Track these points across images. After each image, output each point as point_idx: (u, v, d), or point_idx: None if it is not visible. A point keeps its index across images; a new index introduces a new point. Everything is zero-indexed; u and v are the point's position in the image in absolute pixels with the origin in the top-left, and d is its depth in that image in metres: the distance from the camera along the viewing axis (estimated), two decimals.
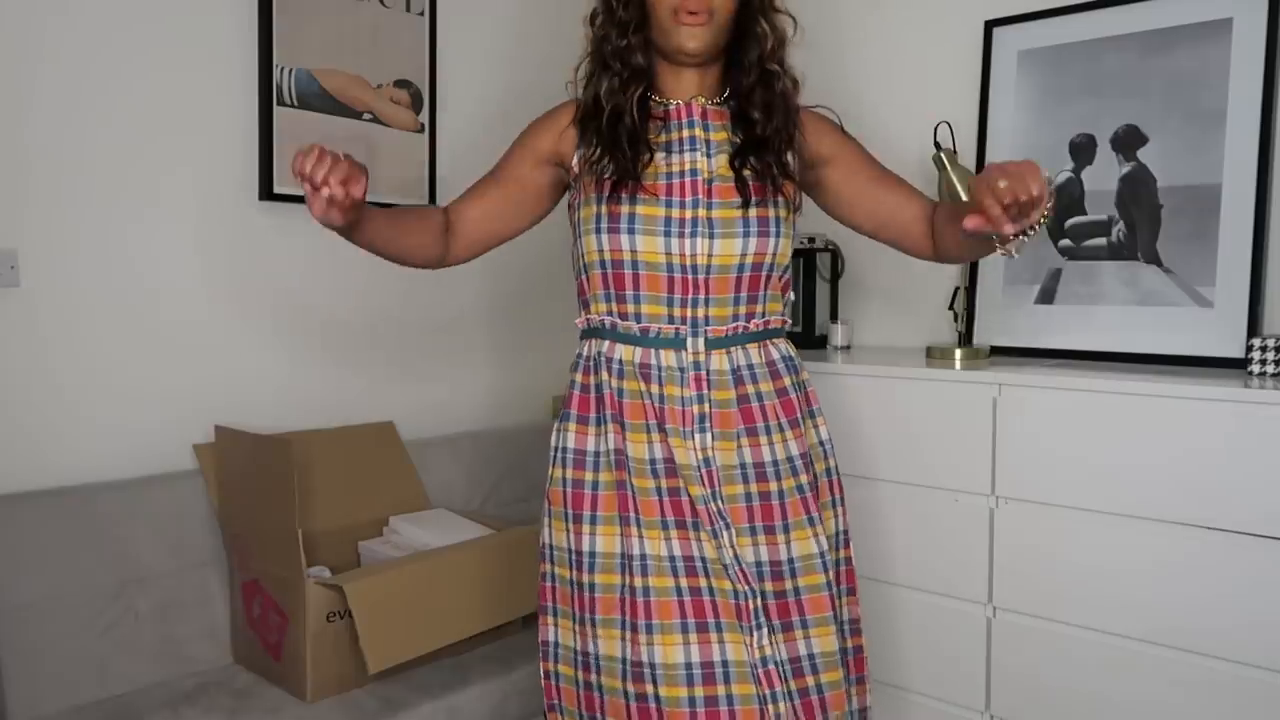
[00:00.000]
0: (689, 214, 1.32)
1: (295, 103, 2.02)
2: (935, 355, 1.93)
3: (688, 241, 1.31)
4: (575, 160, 1.39)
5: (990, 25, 2.05)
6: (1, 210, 1.68)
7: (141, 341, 1.86)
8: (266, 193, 2.00)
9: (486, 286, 2.48)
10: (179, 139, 1.89)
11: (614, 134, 1.34)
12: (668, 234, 1.31)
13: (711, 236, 1.32)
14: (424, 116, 2.27)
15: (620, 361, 1.35)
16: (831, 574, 1.36)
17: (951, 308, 2.05)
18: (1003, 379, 1.66)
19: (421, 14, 2.25)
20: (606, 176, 1.33)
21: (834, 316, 2.24)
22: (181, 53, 1.88)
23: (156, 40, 1.84)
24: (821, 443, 1.44)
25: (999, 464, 1.66)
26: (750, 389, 1.35)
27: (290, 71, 2.01)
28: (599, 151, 1.34)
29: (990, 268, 2.02)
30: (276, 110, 1.99)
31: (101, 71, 1.78)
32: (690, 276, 1.32)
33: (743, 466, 1.33)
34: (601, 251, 1.34)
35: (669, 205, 1.32)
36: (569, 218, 1.44)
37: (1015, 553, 1.65)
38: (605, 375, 1.35)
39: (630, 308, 1.34)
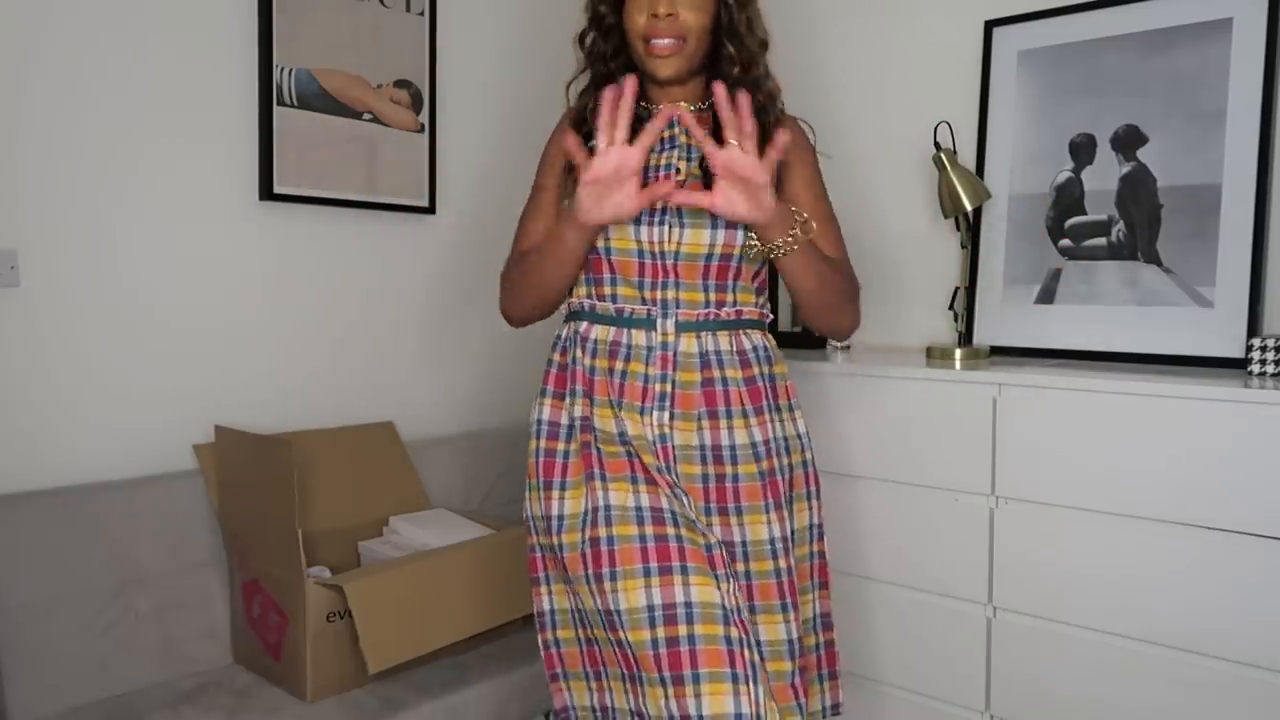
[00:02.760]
0: (659, 204, 1.38)
1: (295, 103, 2.02)
2: (935, 355, 1.93)
3: (657, 229, 1.38)
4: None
5: (990, 25, 2.05)
6: (1, 210, 1.68)
7: (141, 341, 1.86)
8: (266, 193, 2.00)
9: (488, 286, 2.47)
10: (178, 138, 1.89)
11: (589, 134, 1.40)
12: (638, 223, 1.38)
13: (681, 226, 1.38)
14: (424, 116, 2.27)
15: (595, 340, 1.42)
16: (784, 562, 1.38)
17: (951, 308, 2.05)
18: (1003, 379, 1.66)
19: (421, 14, 2.25)
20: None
21: None
22: (181, 52, 1.88)
23: (155, 40, 1.84)
24: (799, 435, 1.48)
25: (999, 464, 1.66)
26: (716, 373, 1.40)
27: (290, 71, 2.01)
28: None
29: (990, 267, 2.02)
30: (276, 110, 1.99)
31: (99, 70, 1.78)
32: (660, 262, 1.39)
33: (701, 448, 1.38)
34: None
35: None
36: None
37: (1015, 553, 1.65)
38: (578, 353, 1.42)
39: (607, 290, 1.42)
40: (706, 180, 1.37)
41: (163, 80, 1.86)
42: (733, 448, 1.38)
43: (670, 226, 1.38)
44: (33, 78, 1.70)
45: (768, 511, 1.38)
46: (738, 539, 1.38)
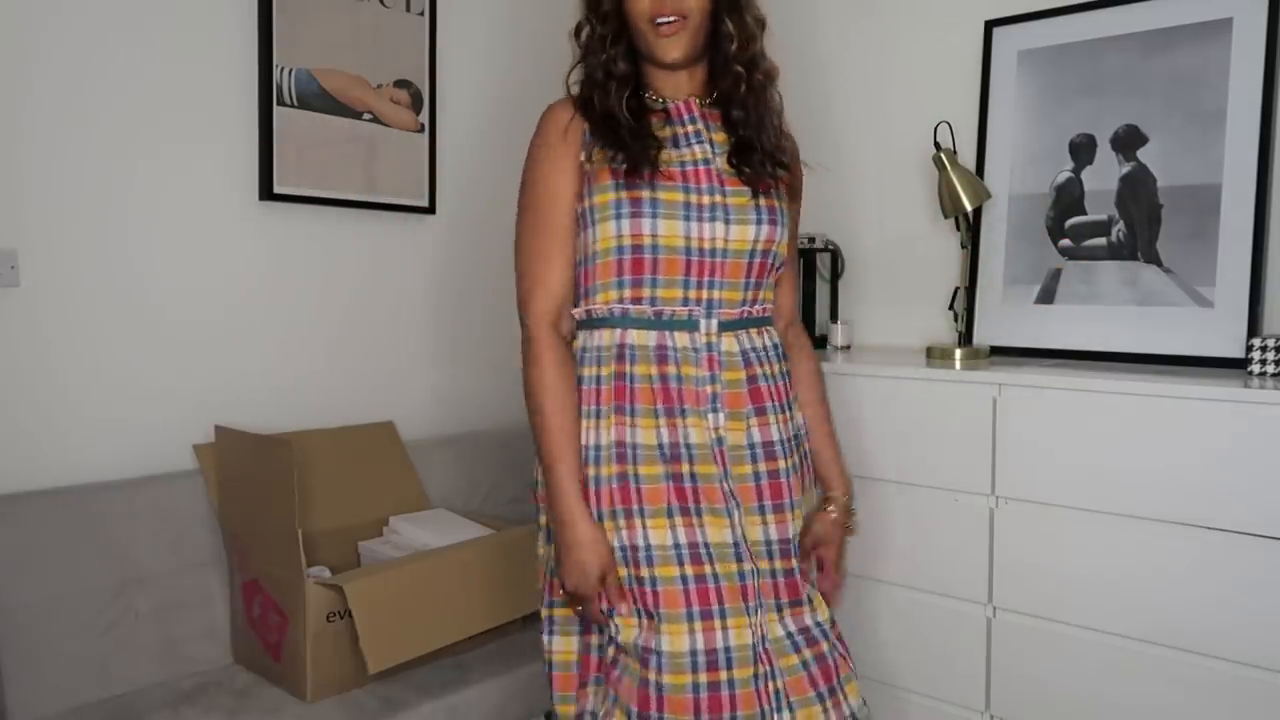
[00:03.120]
0: (707, 200, 1.35)
1: (295, 103, 2.02)
2: (935, 355, 1.93)
3: (706, 226, 1.34)
4: (582, 152, 1.39)
5: (990, 25, 2.05)
6: (1, 210, 1.68)
7: (141, 341, 1.86)
8: (266, 193, 2.00)
9: (488, 286, 2.48)
10: (179, 139, 1.89)
11: (615, 133, 1.36)
12: (687, 218, 1.33)
13: (728, 222, 1.35)
14: (424, 116, 2.27)
15: (633, 347, 1.35)
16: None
17: (951, 308, 2.05)
18: (1003, 379, 1.66)
19: (421, 14, 2.25)
20: (619, 165, 1.34)
21: (834, 316, 2.24)
22: (181, 52, 1.88)
23: (155, 40, 1.85)
24: (800, 426, 1.50)
25: (999, 464, 1.66)
26: (759, 370, 1.40)
27: (290, 71, 2.01)
28: (606, 145, 1.36)
29: (990, 267, 2.02)
30: (276, 110, 1.99)
31: (100, 70, 1.78)
32: (707, 260, 1.35)
33: (751, 446, 1.38)
34: (620, 236, 1.33)
35: (687, 191, 1.34)
36: None
37: (1015, 553, 1.65)
38: (616, 365, 1.35)
39: (646, 292, 1.35)
40: (739, 172, 1.38)
41: (163, 80, 1.86)
42: (782, 442, 1.40)
43: (719, 222, 1.35)
44: (34, 78, 1.70)
45: (803, 505, 1.44)
46: (790, 534, 1.40)
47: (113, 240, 1.81)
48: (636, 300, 1.35)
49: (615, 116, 1.37)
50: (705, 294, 1.36)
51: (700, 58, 1.41)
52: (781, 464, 1.40)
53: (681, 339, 1.35)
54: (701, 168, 1.37)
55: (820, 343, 2.22)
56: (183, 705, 1.60)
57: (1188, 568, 1.48)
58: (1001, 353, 1.98)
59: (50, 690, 1.58)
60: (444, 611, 1.73)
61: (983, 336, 2.01)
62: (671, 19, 1.33)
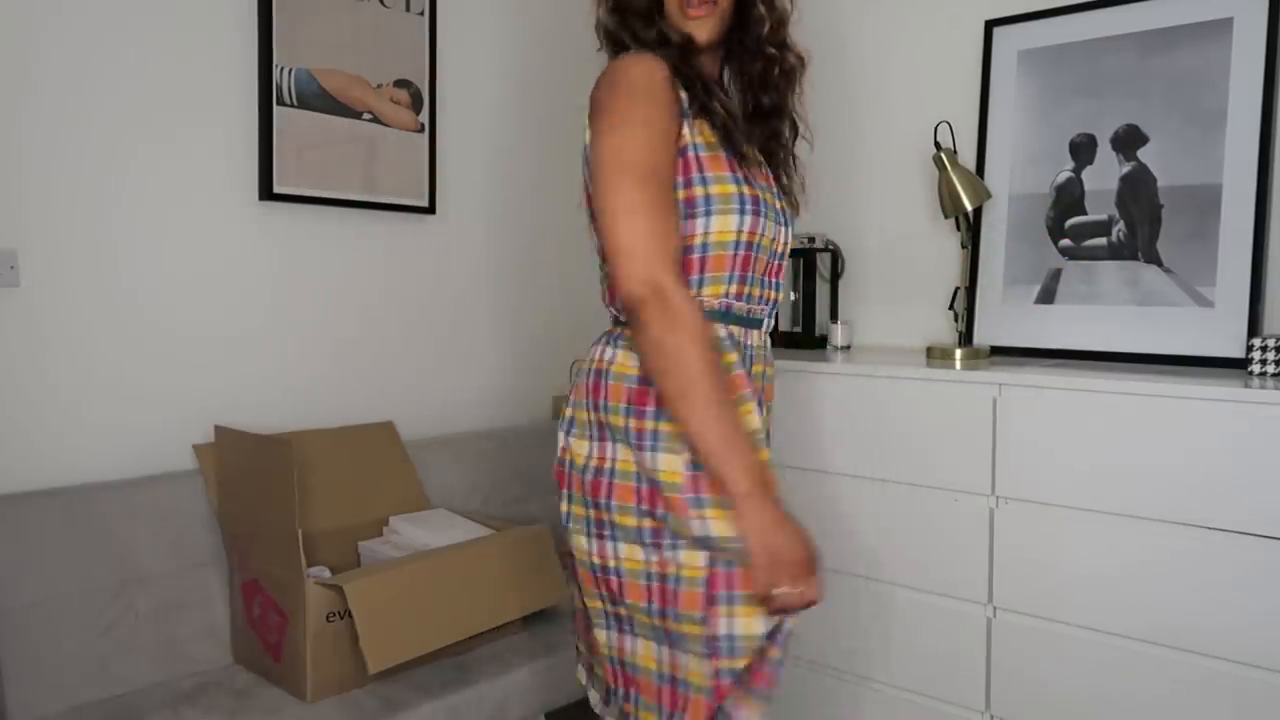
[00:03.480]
0: (777, 203, 1.37)
1: (295, 102, 2.02)
2: (935, 355, 1.93)
3: (781, 229, 1.37)
4: (686, 127, 1.27)
5: (990, 25, 2.05)
6: (1, 210, 1.68)
7: (141, 341, 1.86)
8: (266, 193, 2.00)
9: (488, 286, 2.48)
10: (179, 138, 1.89)
11: (719, 110, 1.30)
12: (775, 220, 1.35)
13: (788, 226, 1.39)
14: (424, 116, 2.27)
15: (733, 340, 1.32)
16: None
17: (951, 308, 2.05)
18: (1003, 379, 1.66)
19: (421, 14, 2.25)
20: (728, 152, 1.29)
21: (834, 316, 2.24)
22: (181, 52, 1.88)
23: (155, 40, 1.85)
24: None
25: (999, 464, 1.66)
26: (772, 367, 1.44)
27: (290, 71, 2.01)
28: (712, 123, 1.29)
29: (990, 267, 2.02)
30: (276, 110, 1.99)
31: (100, 70, 1.78)
32: (776, 261, 1.38)
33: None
34: (740, 232, 1.28)
35: (770, 192, 1.36)
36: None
37: (1015, 553, 1.65)
38: (730, 355, 1.32)
39: (747, 289, 1.34)
40: (777, 177, 1.41)
41: (163, 80, 1.86)
42: (768, 433, 1.43)
43: (788, 226, 1.39)
44: (34, 78, 1.70)
45: None
46: None
47: (112, 239, 1.81)
48: (739, 296, 1.33)
49: (712, 90, 1.31)
50: (771, 294, 1.38)
51: (722, 42, 1.39)
52: (768, 453, 1.41)
53: (755, 337, 1.38)
54: (764, 169, 1.39)
55: (820, 343, 2.22)
56: (183, 705, 1.60)
57: (1188, 568, 1.48)
58: (1001, 353, 1.98)
59: (50, 690, 1.58)
60: (444, 611, 1.73)
61: (983, 336, 2.01)
62: (703, 2, 1.30)
